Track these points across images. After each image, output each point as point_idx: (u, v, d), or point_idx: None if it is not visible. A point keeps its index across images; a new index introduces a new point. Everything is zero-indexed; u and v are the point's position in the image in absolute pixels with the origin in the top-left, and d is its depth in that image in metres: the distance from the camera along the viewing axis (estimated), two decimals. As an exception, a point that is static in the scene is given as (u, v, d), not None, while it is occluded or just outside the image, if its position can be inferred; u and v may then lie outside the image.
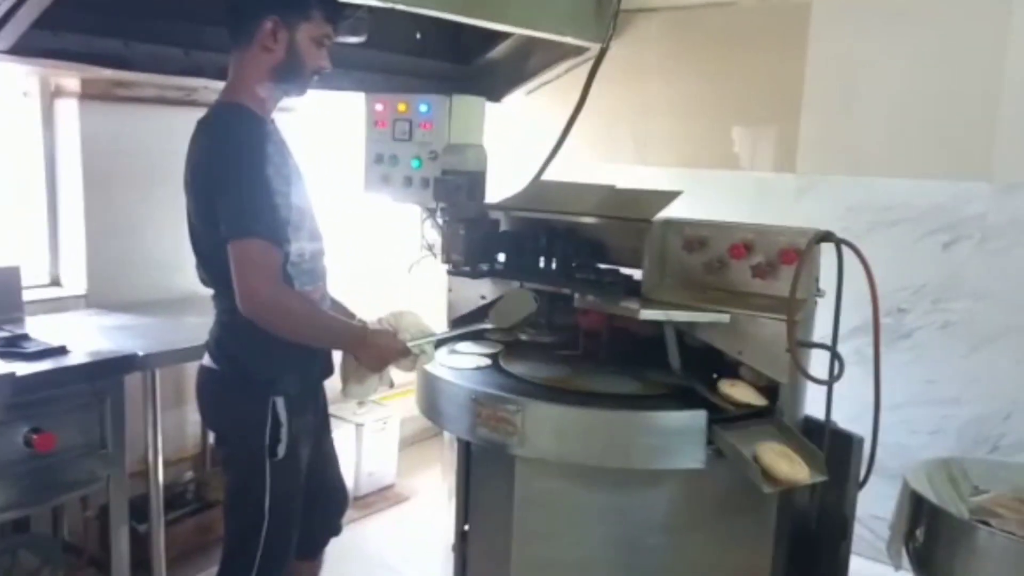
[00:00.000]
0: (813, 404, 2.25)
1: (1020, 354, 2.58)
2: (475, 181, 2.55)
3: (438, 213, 2.65)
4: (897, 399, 2.80)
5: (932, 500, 2.05)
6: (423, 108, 2.67)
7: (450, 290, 2.76)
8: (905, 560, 2.15)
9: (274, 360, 1.88)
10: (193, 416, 2.82)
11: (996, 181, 2.58)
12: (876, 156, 2.82)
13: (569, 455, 2.03)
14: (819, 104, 2.93)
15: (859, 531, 2.64)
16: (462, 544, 2.23)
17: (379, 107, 2.76)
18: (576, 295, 2.34)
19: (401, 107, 2.72)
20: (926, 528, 2.05)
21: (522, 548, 2.09)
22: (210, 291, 1.97)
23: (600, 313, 2.51)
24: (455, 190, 2.51)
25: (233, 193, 1.75)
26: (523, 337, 2.65)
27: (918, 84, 2.72)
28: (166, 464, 2.48)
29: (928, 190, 2.70)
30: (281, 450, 1.88)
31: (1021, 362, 2.58)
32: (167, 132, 1.98)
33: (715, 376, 2.25)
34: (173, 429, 2.79)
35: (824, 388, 2.16)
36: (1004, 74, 2.54)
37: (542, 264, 2.54)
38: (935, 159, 2.70)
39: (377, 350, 1.93)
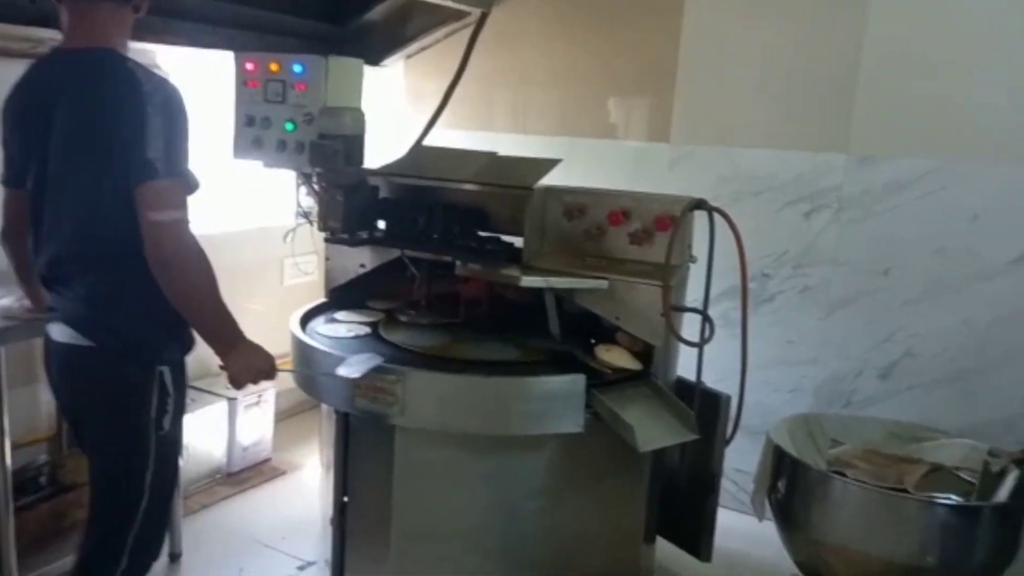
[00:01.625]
0: (685, 366, 2.34)
1: (870, 316, 2.77)
2: (353, 145, 2.47)
3: (314, 179, 2.56)
4: (760, 360, 2.94)
5: (792, 454, 2.18)
6: (297, 69, 2.55)
7: (328, 259, 2.68)
8: (768, 511, 2.28)
9: (160, 327, 1.76)
10: (46, 395, 2.63)
11: (852, 153, 2.74)
12: (743, 128, 2.93)
13: (450, 423, 2.03)
14: (692, 77, 3.02)
15: (726, 485, 2.80)
16: (340, 517, 2.19)
17: (249, 66, 2.62)
18: (457, 263, 2.32)
19: (274, 67, 2.58)
20: (787, 480, 2.18)
21: (402, 518, 2.07)
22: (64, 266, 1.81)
23: (481, 281, 2.52)
24: (332, 155, 2.43)
25: (152, 138, 1.62)
26: (403, 318, 2.61)
27: (783, 60, 2.84)
28: (15, 446, 2.29)
29: (791, 161, 2.84)
30: (167, 423, 1.78)
31: (871, 323, 2.77)
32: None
33: (593, 342, 2.30)
34: (23, 409, 2.58)
35: (696, 350, 2.26)
36: (862, 51, 2.69)
37: (423, 232, 2.51)
38: (797, 132, 2.83)
39: (246, 363, 1.83)
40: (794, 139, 2.84)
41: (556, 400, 2.03)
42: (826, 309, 2.85)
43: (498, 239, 2.50)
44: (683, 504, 2.46)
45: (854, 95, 2.72)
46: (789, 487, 2.17)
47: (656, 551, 2.51)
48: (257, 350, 1.84)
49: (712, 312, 2.30)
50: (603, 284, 2.20)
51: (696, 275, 2.31)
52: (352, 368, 1.95)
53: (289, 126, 2.57)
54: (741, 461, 2.77)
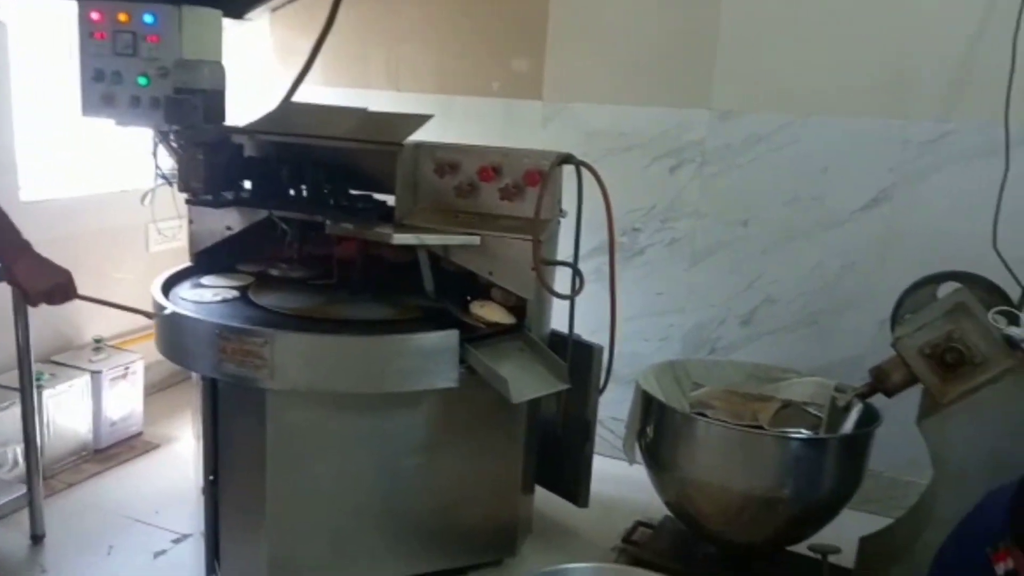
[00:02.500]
0: (559, 319, 2.40)
1: (731, 266, 2.91)
2: (212, 101, 2.36)
3: (172, 137, 2.44)
4: (631, 311, 3.06)
5: (659, 398, 2.27)
6: (148, 19, 2.41)
7: (191, 221, 2.57)
8: (638, 455, 2.37)
9: None
10: None
11: (714, 109, 2.84)
12: (612, 86, 2.98)
13: (323, 384, 2.00)
14: (562, 35, 3.04)
15: (601, 433, 2.88)
16: (213, 486, 2.13)
17: (95, 16, 2.46)
18: (328, 222, 2.27)
19: (122, 17, 2.43)
20: (655, 424, 2.27)
21: (277, 483, 2.04)
22: None
23: (354, 241, 2.48)
24: (190, 110, 2.32)
25: None
26: (274, 272, 2.54)
27: (649, 19, 2.90)
28: None
29: (657, 118, 2.92)
30: None
31: (732, 273, 2.91)
32: None
33: (469, 299, 2.32)
34: None
35: (567, 303, 2.31)
36: (721, 11, 2.78)
37: (292, 191, 2.44)
38: (663, 89, 2.91)
39: (38, 271, 1.70)
40: (660, 96, 2.92)
41: (430, 356, 2.04)
42: (691, 260, 2.97)
43: (370, 197, 2.47)
44: (560, 453, 2.53)
45: (715, 53, 2.82)
46: (657, 430, 2.27)
47: (535, 500, 2.58)
48: (50, 263, 1.75)
49: (585, 267, 2.36)
50: (475, 240, 2.21)
51: (568, 229, 2.36)
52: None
53: (142, 80, 2.44)
54: (615, 409, 2.87)
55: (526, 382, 2.10)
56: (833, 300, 2.78)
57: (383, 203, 2.43)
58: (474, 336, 2.15)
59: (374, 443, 2.14)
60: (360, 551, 2.19)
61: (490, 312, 2.24)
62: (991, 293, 2.06)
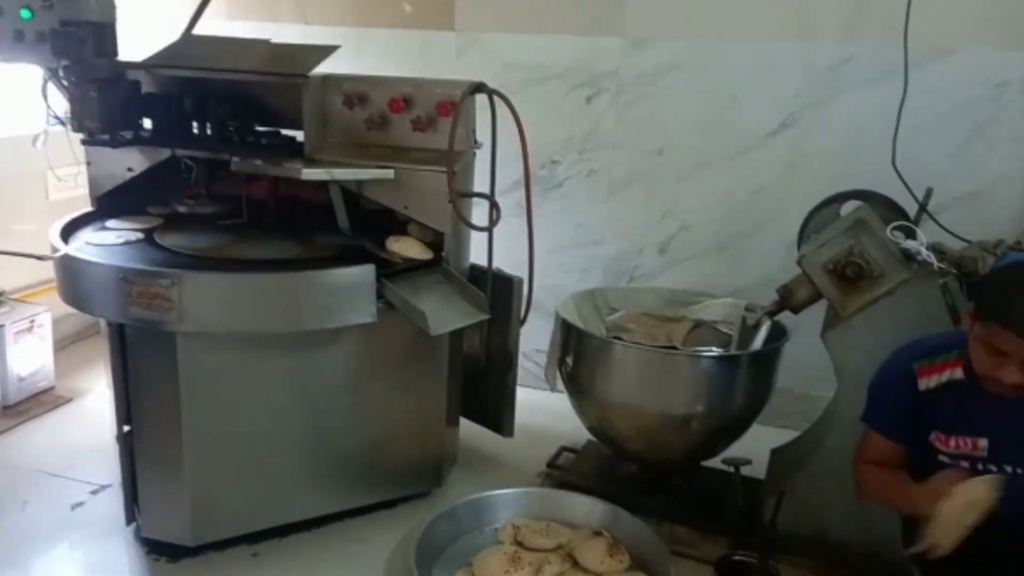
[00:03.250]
0: (478, 253, 2.39)
1: (647, 196, 2.94)
2: (102, 33, 2.23)
3: (62, 73, 2.30)
4: (552, 244, 3.08)
5: (578, 325, 2.31)
6: (27, -54, 2.24)
7: (89, 163, 2.45)
8: (560, 383, 2.42)
9: None
10: None
11: (627, 37, 2.83)
12: (525, 15, 2.94)
13: (235, 325, 1.96)
14: (473, -38, 2.97)
15: (526, 366, 2.93)
16: (127, 436, 2.08)
17: (-36, -59, 2.27)
18: (234, 159, 2.19)
19: (-1, -55, 2.26)
20: (575, 351, 2.32)
21: (194, 427, 2.00)
22: None
23: (266, 180, 2.41)
24: (79, 44, 2.18)
25: None
26: (181, 209, 2.46)
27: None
28: None
29: (572, 47, 2.89)
30: None
31: (649, 202, 2.95)
32: None
33: (386, 236, 2.29)
34: None
35: (487, 237, 2.30)
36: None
37: (195, 129, 2.34)
38: (577, 18, 2.88)
39: None
40: (574, 25, 2.89)
41: (346, 292, 2.01)
42: (609, 191, 2.99)
43: (278, 133, 2.39)
44: (484, 385, 2.56)
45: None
46: (576, 357, 2.31)
47: (461, 433, 2.61)
48: None
49: (505, 201, 2.35)
50: (388, 173, 2.17)
51: (485, 162, 2.33)
52: None
53: (25, 13, 2.28)
54: (539, 342, 2.90)
55: (445, 314, 2.10)
56: (744, 224, 2.85)
57: (292, 139, 2.36)
58: (391, 271, 2.13)
59: (294, 382, 2.12)
60: (287, 490, 2.18)
61: (407, 247, 2.22)
62: (890, 210, 2.14)
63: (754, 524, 2.16)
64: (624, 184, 2.97)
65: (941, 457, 1.60)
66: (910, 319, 1.89)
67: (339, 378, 2.17)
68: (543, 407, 2.81)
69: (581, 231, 3.07)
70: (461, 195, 2.21)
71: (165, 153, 2.34)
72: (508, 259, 2.41)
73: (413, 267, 2.21)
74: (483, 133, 2.29)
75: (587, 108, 2.94)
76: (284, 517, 2.21)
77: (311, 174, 2.11)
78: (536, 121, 2.98)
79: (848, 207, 2.16)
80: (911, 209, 2.18)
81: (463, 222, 2.20)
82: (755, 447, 2.38)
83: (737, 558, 1.92)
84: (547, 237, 3.11)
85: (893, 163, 2.19)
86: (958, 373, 1.56)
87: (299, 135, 2.29)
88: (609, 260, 3.06)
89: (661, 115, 2.86)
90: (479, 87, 2.19)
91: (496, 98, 2.21)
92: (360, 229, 2.32)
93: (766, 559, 1.89)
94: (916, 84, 2.42)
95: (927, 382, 1.59)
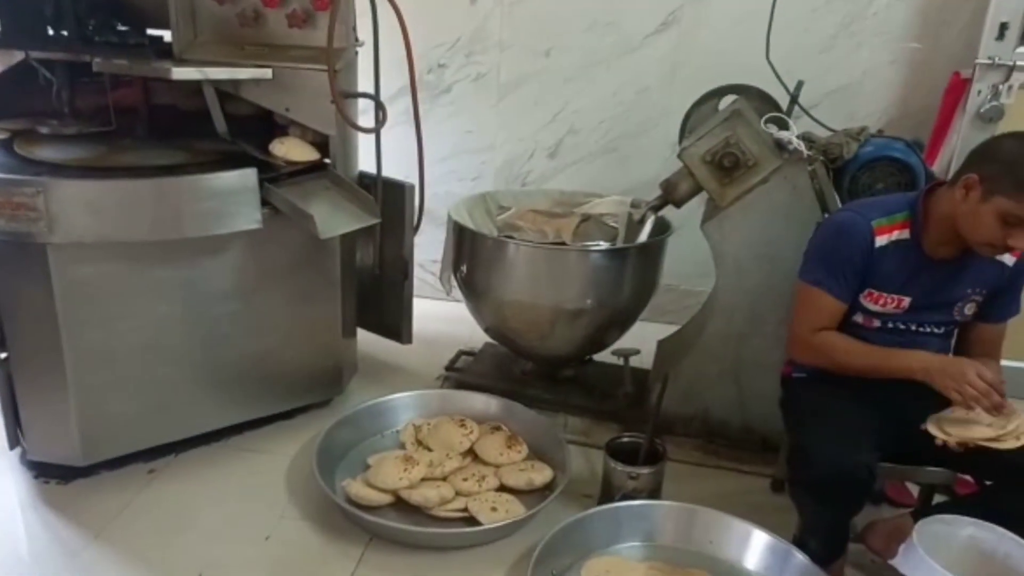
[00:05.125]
0: (368, 161, 2.34)
1: (537, 98, 2.94)
2: (-70, -80, 2.01)
3: None
4: (443, 151, 3.06)
5: (471, 227, 2.32)
6: None
7: (-66, 71, 2.23)
8: (455, 287, 2.44)
9: None
10: None
11: (511, -67, 2.78)
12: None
13: (110, 234, 1.86)
14: None
15: (423, 276, 2.94)
16: (3, 362, 1.98)
17: None
18: (97, 60, 2.04)
19: None
20: (468, 254, 2.33)
21: (75, 346, 1.92)
22: None
23: (134, 86, 2.26)
24: (-99, -68, 1.96)
25: None
26: (43, 130, 2.28)
27: None
28: None
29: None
30: None
31: (538, 105, 2.94)
32: None
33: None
34: None
35: (377, 145, 2.25)
36: None
37: (51, 30, 2.16)
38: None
39: None
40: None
41: (227, 197, 1.94)
42: (498, 95, 2.97)
43: (143, 32, 2.23)
44: (381, 294, 2.55)
45: None
46: (470, 259, 2.33)
47: (360, 343, 2.61)
48: None
49: (394, 107, 2.30)
50: (266, 73, 2.07)
51: (369, 63, 2.25)
52: None
53: None
54: (435, 252, 2.90)
55: (333, 218, 2.06)
56: (631, 125, 2.90)
57: (159, 39, 2.22)
58: (276, 176, 2.06)
59: (180, 293, 2.05)
60: (181, 405, 2.14)
61: (291, 150, 2.15)
62: (765, 102, 2.22)
63: (642, 409, 2.28)
64: (513, 87, 2.95)
65: (857, 316, 1.69)
66: (782, 205, 1.99)
67: (228, 287, 2.12)
68: (442, 315, 2.84)
69: (472, 137, 3.05)
70: (344, 95, 2.14)
71: (18, 56, 2.16)
72: (399, 168, 2.38)
73: (300, 172, 2.14)
74: (365, 32, 2.22)
75: (472, 9, 2.88)
76: (180, 432, 2.18)
77: (182, 73, 1.99)
78: (420, 23, 2.88)
79: (726, 102, 2.22)
80: (785, 102, 2.26)
81: (348, 123, 2.14)
82: (644, 343, 2.49)
83: (626, 439, 2.02)
84: (438, 144, 3.08)
85: (767, 57, 2.25)
86: (905, 234, 1.64)
87: (166, 36, 2.15)
88: (501, 165, 3.06)
89: (548, 14, 2.83)
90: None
91: (379, -5, 2.12)
92: (242, 135, 2.23)
93: (653, 438, 2.00)
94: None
95: (882, 240, 1.64)
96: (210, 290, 2.10)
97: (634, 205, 2.34)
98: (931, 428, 1.55)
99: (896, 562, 1.53)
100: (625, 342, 2.42)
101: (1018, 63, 2.28)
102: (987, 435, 1.50)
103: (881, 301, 1.66)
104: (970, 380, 1.48)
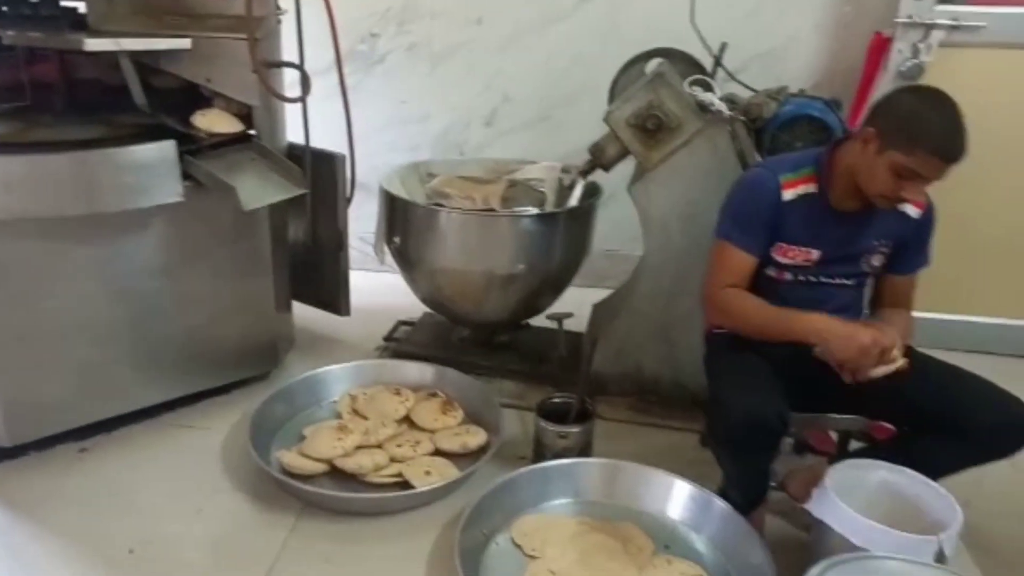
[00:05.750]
0: (298, 132, 2.31)
1: (469, 66, 2.93)
2: None
3: None
4: (379, 122, 3.03)
5: (403, 196, 2.31)
6: None
7: None
8: (389, 257, 2.44)
9: None
10: None
11: None
12: None
13: (25, 210, 1.82)
14: None
15: (362, 248, 2.92)
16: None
17: None
18: (8, 33, 1.98)
19: None
20: (401, 223, 2.33)
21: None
22: None
23: (50, 60, 2.20)
24: None
25: None
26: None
27: None
28: None
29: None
30: None
31: (471, 73, 2.93)
32: None
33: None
34: None
35: (310, 118, 2.22)
36: None
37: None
38: None
39: None
40: None
41: (146, 171, 1.91)
42: (431, 64, 2.95)
43: (55, 3, 2.17)
44: (317, 266, 2.54)
45: None
46: (403, 229, 2.32)
47: (298, 316, 2.60)
48: None
49: (326, 80, 2.27)
50: (184, 43, 2.04)
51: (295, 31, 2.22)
52: None
53: None
54: (373, 223, 2.89)
55: (258, 190, 2.04)
56: (564, 93, 2.90)
57: (73, 10, 2.16)
58: (198, 147, 2.03)
59: (104, 270, 2.01)
60: (111, 382, 2.11)
61: (214, 121, 2.11)
62: (690, 65, 2.25)
63: (577, 371, 2.30)
64: (446, 56, 2.94)
65: (769, 270, 1.73)
66: (705, 166, 2.02)
67: (154, 263, 2.09)
68: (382, 286, 2.83)
69: (407, 107, 3.03)
70: (267, 65, 2.11)
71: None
72: (334, 140, 2.34)
73: (224, 144, 2.11)
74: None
75: (402, -24, 2.85)
76: (112, 410, 2.15)
77: (96, 44, 1.94)
78: (349, -8, 2.86)
79: (653, 66, 2.24)
80: (713, 66, 2.28)
81: (271, 93, 2.11)
82: (583, 308, 2.52)
83: (556, 400, 2.05)
84: (373, 115, 3.06)
85: (691, 20, 2.27)
86: (812, 187, 1.67)
87: (80, 6, 2.10)
88: (437, 135, 3.05)
89: (477, -19, 2.82)
90: (274, -52, 2.07)
91: (295, -42, 2.09)
92: (167, 108, 2.19)
93: (583, 398, 2.03)
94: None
95: (789, 194, 1.66)
96: (136, 266, 2.07)
97: (564, 170, 2.35)
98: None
99: (809, 506, 1.58)
100: (563, 307, 2.44)
101: (936, 21, 2.33)
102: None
103: (791, 254, 1.70)
104: (862, 348, 1.50)
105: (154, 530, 1.83)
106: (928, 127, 1.47)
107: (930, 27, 2.33)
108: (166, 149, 1.93)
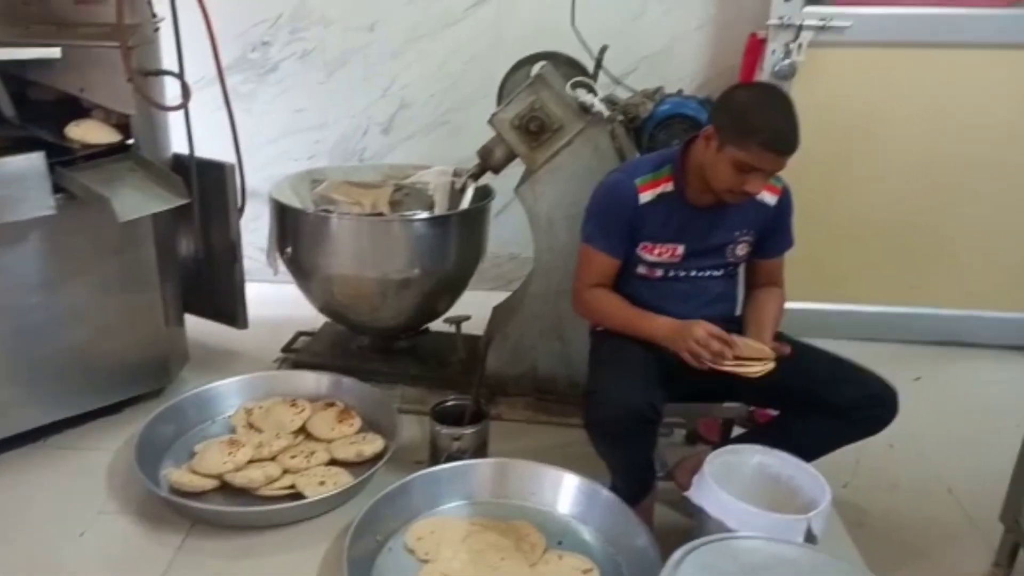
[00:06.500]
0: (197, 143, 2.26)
1: (365, 73, 2.90)
2: None
3: None
4: (275, 131, 2.99)
5: (294, 205, 2.29)
6: None
7: None
8: (282, 267, 2.40)
9: None
10: None
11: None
12: None
13: None
14: None
15: (260, 258, 2.86)
16: None
17: None
18: None
19: None
20: (292, 232, 2.30)
21: None
22: None
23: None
24: None
25: None
26: None
27: None
28: None
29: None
30: None
31: (367, 79, 2.91)
32: None
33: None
34: None
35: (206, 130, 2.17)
36: None
37: None
38: None
39: None
40: None
41: (14, 183, 1.84)
42: (326, 71, 2.93)
43: (-87, 13, 2.09)
44: (211, 279, 2.48)
45: None
46: (295, 238, 2.29)
47: (196, 330, 2.54)
48: None
49: (217, 89, 2.22)
50: (53, 52, 1.97)
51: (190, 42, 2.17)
52: None
53: None
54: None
55: (135, 201, 1.99)
56: (461, 97, 2.91)
57: (-67, 20, 2.07)
58: (71, 159, 1.97)
59: (-23, 288, 1.93)
60: (-7, 404, 2.03)
61: (88, 132, 2.05)
62: (573, 67, 2.28)
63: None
64: (340, 63, 2.91)
65: (640, 269, 1.78)
66: (586, 165, 2.05)
67: (32, 278, 2.01)
68: (282, 297, 2.77)
69: (303, 116, 2.99)
70: (143, 73, 2.06)
71: None
72: (228, 151, 2.31)
73: (101, 155, 2.05)
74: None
75: (292, -18, 2.82)
76: (-9, 434, 2.06)
77: (-45, 55, 1.87)
78: (238, 1, 2.83)
79: (538, 69, 2.27)
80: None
81: (148, 102, 2.06)
82: (485, 311, 2.53)
83: (451, 403, 2.05)
84: (268, 125, 3.01)
85: (572, 23, 2.31)
86: (669, 187, 1.72)
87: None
88: (335, 143, 3.03)
89: (368, -13, 2.81)
90: (145, -48, 2.03)
91: (169, -35, 2.05)
92: (38, 119, 2.11)
93: (478, 400, 2.04)
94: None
95: (647, 195, 1.71)
96: (12, 282, 1.99)
97: (456, 174, 2.36)
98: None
99: (690, 494, 1.62)
100: (466, 311, 2.44)
101: (805, 22, 2.43)
102: (731, 367, 1.59)
103: (657, 251, 1.75)
104: (697, 340, 1.57)
105: (33, 556, 1.76)
106: (760, 122, 1.54)
107: (800, 28, 2.42)
108: (35, 161, 1.86)
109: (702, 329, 1.58)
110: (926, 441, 2.28)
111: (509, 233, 2.83)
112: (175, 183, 2.10)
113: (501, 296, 2.75)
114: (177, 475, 1.92)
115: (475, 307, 2.49)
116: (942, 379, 2.65)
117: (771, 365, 1.59)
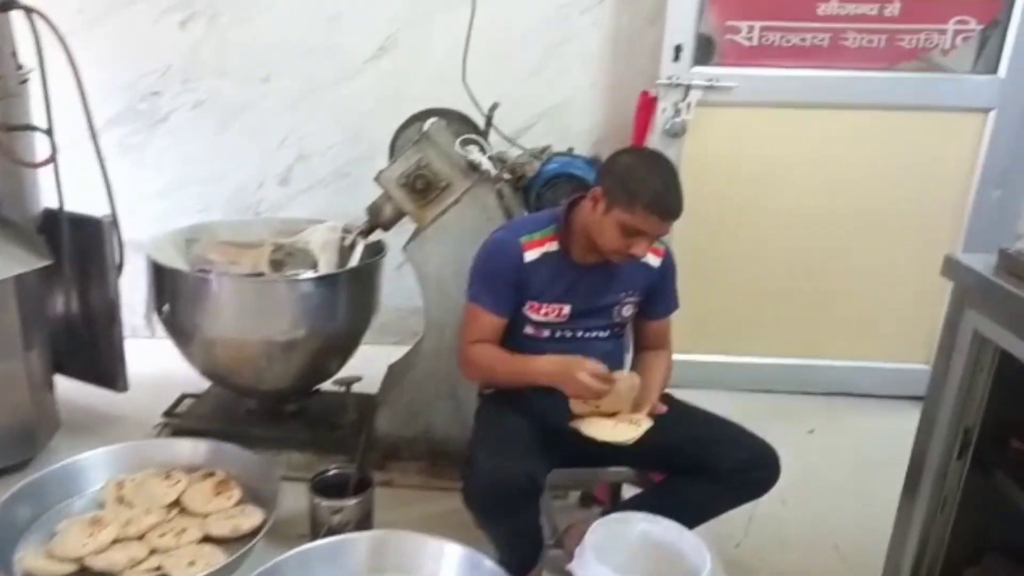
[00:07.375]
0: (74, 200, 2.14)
1: (260, 125, 2.84)
2: None
3: None
4: (165, 184, 2.89)
5: (168, 265, 2.18)
6: None
7: None
8: (160, 328, 2.29)
9: None
10: None
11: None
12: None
13: None
14: None
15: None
16: None
17: None
18: None
19: None
20: (170, 292, 2.19)
21: None
22: None
23: None
24: None
25: None
26: None
27: None
28: None
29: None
30: None
31: (262, 132, 2.83)
32: None
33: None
34: None
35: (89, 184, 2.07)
36: None
37: None
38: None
39: None
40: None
41: None
42: (220, 123, 2.85)
43: None
44: (89, 340, 2.35)
45: None
46: (172, 298, 2.19)
47: (73, 394, 2.39)
48: None
49: (107, 138, 2.14)
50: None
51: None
52: None
53: None
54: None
55: (-12, 263, 1.87)
56: (360, 149, 2.87)
57: None
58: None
59: None
60: None
61: (-60, 191, 1.93)
62: (465, 124, 2.26)
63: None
64: (235, 114, 2.84)
65: (527, 329, 1.74)
66: (474, 224, 2.02)
67: None
68: (166, 357, 2.64)
69: (196, 167, 2.90)
70: (6, 128, 1.95)
71: None
72: (119, 205, 2.21)
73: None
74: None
75: (182, 33, 2.75)
76: None
77: None
78: (125, 51, 2.75)
79: (428, 125, 2.24)
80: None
81: (8, 158, 1.95)
82: (382, 367, 2.45)
83: (332, 472, 1.96)
84: (158, 178, 2.91)
85: (463, 79, 2.30)
86: (554, 246, 1.70)
87: None
88: (230, 196, 2.94)
89: (262, 39, 2.76)
90: (6, 3, 1.93)
91: (33, 16, 1.96)
92: None
93: (363, 467, 1.95)
94: (493, 5, 2.53)
95: (532, 254, 1.69)
96: None
97: (346, 230, 2.30)
98: (573, 423, 1.63)
99: (572, 566, 1.57)
100: (363, 368, 2.36)
101: (693, 82, 2.48)
102: (601, 433, 1.57)
103: (543, 311, 1.72)
104: (579, 379, 1.56)
105: None
106: (644, 186, 1.54)
107: (689, 88, 2.47)
108: None
109: (580, 369, 1.56)
110: (817, 496, 2.29)
111: (412, 284, 2.76)
112: (36, 243, 1.99)
113: (404, 351, 2.68)
114: (31, 560, 1.77)
115: (376, 363, 2.42)
116: (834, 431, 2.69)
117: (643, 429, 1.57)
